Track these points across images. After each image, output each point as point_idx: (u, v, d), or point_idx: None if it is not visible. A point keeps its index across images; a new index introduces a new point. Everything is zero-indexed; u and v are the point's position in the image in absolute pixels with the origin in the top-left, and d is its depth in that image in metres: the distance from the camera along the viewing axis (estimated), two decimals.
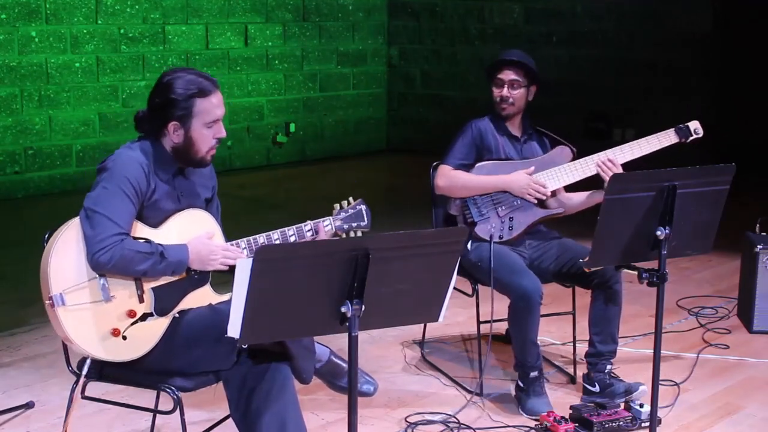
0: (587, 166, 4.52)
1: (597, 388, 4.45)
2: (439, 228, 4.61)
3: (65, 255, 3.24)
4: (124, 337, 3.27)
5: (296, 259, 2.68)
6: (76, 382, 3.39)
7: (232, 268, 3.23)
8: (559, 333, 5.28)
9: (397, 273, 2.79)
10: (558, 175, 4.56)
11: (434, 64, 11.38)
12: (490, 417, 4.33)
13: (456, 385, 4.68)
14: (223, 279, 3.30)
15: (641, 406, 4.26)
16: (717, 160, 4.09)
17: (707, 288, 6.31)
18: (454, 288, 3.01)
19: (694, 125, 4.60)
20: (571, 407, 4.29)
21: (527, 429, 4.22)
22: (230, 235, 3.53)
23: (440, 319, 2.97)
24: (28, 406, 4.35)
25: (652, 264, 3.60)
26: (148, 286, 3.31)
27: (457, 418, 4.29)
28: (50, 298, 3.20)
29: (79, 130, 9.05)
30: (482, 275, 4.46)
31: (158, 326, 3.33)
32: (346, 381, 3.55)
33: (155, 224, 3.38)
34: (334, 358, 3.75)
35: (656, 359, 3.64)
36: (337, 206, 3.67)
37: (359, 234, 3.64)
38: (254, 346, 3.29)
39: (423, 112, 11.50)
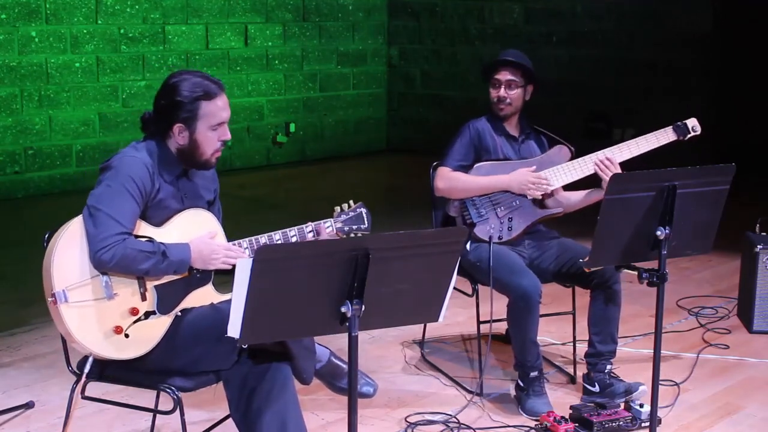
0: (586, 166, 4.52)
1: (597, 388, 4.46)
2: (438, 228, 4.61)
3: (68, 252, 3.24)
4: (127, 335, 3.28)
5: (296, 259, 2.68)
6: (77, 382, 3.40)
7: (233, 268, 3.23)
8: (559, 333, 5.28)
9: (397, 273, 2.79)
10: (557, 175, 4.55)
11: (434, 64, 11.38)
12: (490, 417, 4.33)
13: (456, 385, 4.68)
14: (225, 279, 3.30)
15: (641, 406, 4.26)
16: (717, 160, 4.09)
17: (707, 288, 6.31)
18: (454, 288, 3.01)
19: (692, 122, 4.59)
20: (571, 407, 4.29)
21: (527, 429, 4.22)
22: (231, 235, 3.53)
23: (440, 319, 2.97)
24: (28, 406, 4.35)
25: (652, 264, 3.60)
26: (150, 285, 3.32)
27: (457, 419, 4.29)
28: (53, 295, 3.20)
29: (79, 130, 9.05)
30: (481, 275, 4.46)
31: (160, 325, 3.34)
32: (346, 382, 3.55)
33: (158, 224, 3.39)
34: (333, 359, 3.75)
35: (656, 359, 3.64)
36: (337, 209, 3.69)
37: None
38: (255, 346, 3.29)
39: (423, 112, 11.50)
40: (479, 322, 4.64)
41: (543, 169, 4.57)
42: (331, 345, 3.83)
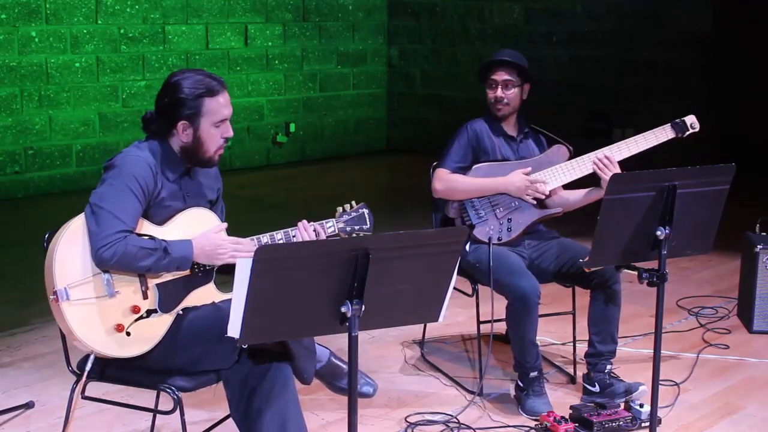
0: (584, 165, 4.52)
1: (597, 388, 4.46)
2: (438, 228, 4.61)
3: (70, 250, 3.25)
4: (128, 333, 3.28)
5: (296, 259, 2.68)
6: (77, 382, 3.40)
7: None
8: (559, 333, 5.28)
9: (397, 273, 2.79)
10: (555, 175, 4.55)
11: (434, 64, 11.38)
12: (490, 417, 4.33)
13: (456, 385, 4.68)
14: (226, 278, 3.30)
15: (641, 406, 4.26)
16: (717, 161, 4.09)
17: (707, 288, 6.31)
18: (454, 288, 3.01)
19: (691, 119, 4.57)
20: (571, 407, 4.29)
21: (527, 429, 4.22)
22: (232, 235, 3.53)
23: (440, 319, 2.97)
24: (28, 406, 4.35)
25: (652, 264, 3.60)
26: (152, 283, 3.33)
27: (457, 419, 4.29)
28: (54, 293, 3.21)
29: (79, 130, 9.05)
30: (481, 276, 4.46)
31: (162, 323, 3.34)
32: (346, 382, 3.56)
33: (160, 222, 3.40)
34: (333, 359, 3.75)
35: (656, 359, 3.64)
36: (339, 209, 3.69)
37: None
38: (255, 346, 3.29)
39: (423, 112, 11.50)
40: (479, 322, 4.64)
41: (541, 169, 4.56)
42: (331, 345, 3.83)
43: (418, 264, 2.83)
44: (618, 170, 4.40)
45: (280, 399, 3.38)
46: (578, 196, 4.61)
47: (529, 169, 4.56)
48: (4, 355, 5.04)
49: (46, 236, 3.36)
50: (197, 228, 3.43)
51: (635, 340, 5.31)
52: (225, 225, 3.50)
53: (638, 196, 3.51)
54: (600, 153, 4.49)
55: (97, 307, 3.25)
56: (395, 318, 3.00)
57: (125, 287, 3.29)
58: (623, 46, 10.11)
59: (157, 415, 3.72)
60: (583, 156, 4.52)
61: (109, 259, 3.20)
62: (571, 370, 4.82)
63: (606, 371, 4.48)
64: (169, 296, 3.35)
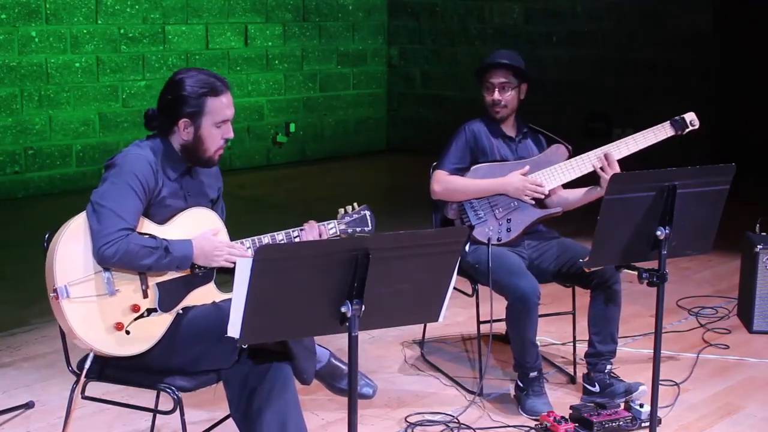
0: (583, 164, 4.51)
1: (597, 388, 4.45)
2: (438, 228, 4.61)
3: (71, 248, 3.26)
4: (128, 332, 3.29)
5: (296, 259, 2.68)
6: (77, 382, 3.40)
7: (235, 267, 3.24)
8: (559, 333, 5.28)
9: (397, 273, 2.79)
10: (554, 174, 4.54)
11: (434, 64, 11.38)
12: (490, 417, 4.33)
13: (456, 385, 4.68)
14: (226, 278, 3.31)
15: (641, 406, 4.26)
16: (717, 161, 4.09)
17: (707, 288, 6.31)
18: (454, 288, 3.01)
19: (690, 117, 4.54)
20: (571, 407, 4.29)
21: (527, 429, 4.22)
22: (232, 235, 3.54)
23: (440, 319, 2.97)
24: (28, 406, 4.35)
25: (652, 264, 3.60)
26: (152, 282, 3.33)
27: (457, 419, 4.29)
28: (55, 290, 3.21)
29: (79, 130, 9.05)
30: (481, 277, 4.46)
31: (162, 322, 3.34)
32: (346, 383, 3.56)
33: (161, 221, 3.40)
34: (333, 360, 3.75)
35: (656, 359, 3.64)
36: (341, 210, 3.69)
37: None
38: (255, 345, 3.29)
39: (423, 112, 11.50)
40: (479, 322, 4.64)
41: (540, 169, 4.56)
42: (331, 345, 3.83)
43: (418, 264, 2.83)
44: (617, 169, 4.40)
45: (280, 399, 3.38)
46: (577, 195, 4.61)
47: (527, 168, 4.56)
48: (4, 355, 5.04)
49: (46, 236, 3.37)
50: (198, 228, 3.43)
51: (635, 340, 5.31)
52: (221, 227, 3.49)
53: (638, 196, 3.51)
54: (599, 151, 4.49)
55: (97, 305, 3.25)
56: (395, 318, 3.00)
57: (125, 286, 3.29)
58: (623, 46, 10.11)
59: (157, 415, 3.72)
60: (582, 155, 4.52)
61: (111, 257, 3.20)
62: (571, 370, 4.82)
63: (606, 371, 4.48)
64: (169, 295, 3.35)
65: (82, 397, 3.46)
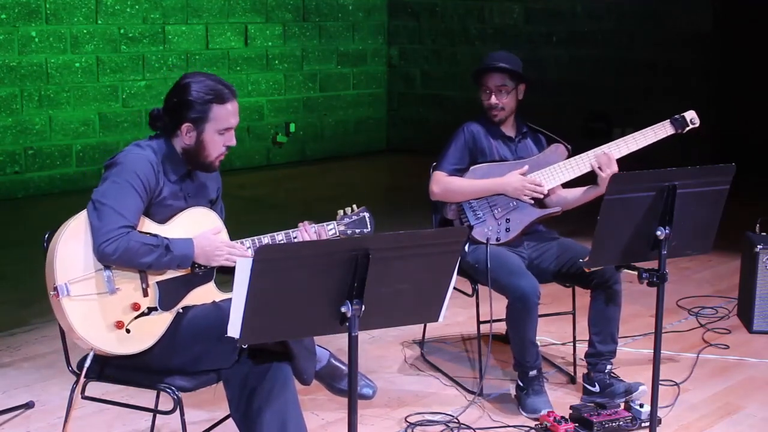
0: (582, 163, 4.50)
1: (597, 388, 4.45)
2: (438, 228, 4.60)
3: (71, 246, 3.26)
4: (128, 330, 3.29)
5: (296, 259, 2.68)
6: (76, 382, 3.40)
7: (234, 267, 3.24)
8: (559, 333, 5.28)
9: (397, 273, 2.79)
10: (553, 174, 4.54)
11: (434, 64, 11.38)
12: (490, 417, 4.33)
13: (456, 385, 4.68)
14: (226, 278, 3.31)
15: (641, 406, 4.26)
16: (717, 161, 4.09)
17: (707, 288, 6.31)
18: (454, 288, 3.01)
19: (690, 115, 4.51)
20: (571, 407, 4.29)
21: (527, 429, 4.22)
22: (232, 235, 3.54)
23: (440, 319, 2.97)
24: (28, 406, 4.35)
25: (652, 264, 3.60)
26: (153, 280, 3.33)
27: (457, 419, 4.29)
28: (55, 288, 3.22)
29: (79, 130, 9.05)
30: (480, 277, 4.46)
31: (162, 321, 3.34)
32: (346, 384, 3.56)
33: (162, 221, 3.41)
34: (333, 361, 3.75)
35: (656, 359, 3.64)
36: (341, 212, 3.69)
37: None
38: (255, 345, 3.29)
39: (423, 112, 11.50)
40: (479, 322, 4.64)
41: (539, 169, 4.55)
42: (331, 345, 3.83)
43: (418, 264, 2.83)
44: (616, 168, 4.39)
45: (279, 399, 3.38)
46: (576, 194, 4.60)
47: (526, 168, 4.55)
48: (4, 355, 5.05)
49: (46, 236, 3.37)
50: (198, 227, 3.44)
51: (635, 340, 5.31)
52: (222, 227, 3.50)
53: (638, 196, 3.51)
54: (599, 150, 4.48)
55: (97, 303, 3.26)
56: (395, 318, 3.00)
57: (126, 284, 3.29)
58: (623, 46, 10.11)
59: (157, 415, 3.72)
60: (581, 154, 4.51)
61: (111, 254, 3.21)
62: (571, 370, 4.82)
63: (606, 371, 4.48)
64: (169, 294, 3.35)
65: (82, 397, 3.46)
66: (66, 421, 3.45)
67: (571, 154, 4.58)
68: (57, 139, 8.92)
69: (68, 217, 3.35)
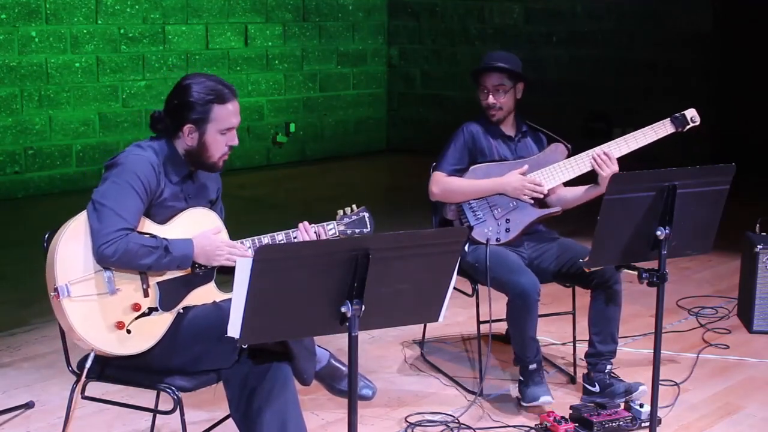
0: (582, 163, 4.49)
1: (597, 388, 4.45)
2: (438, 228, 4.60)
3: (72, 247, 3.26)
4: (128, 331, 3.29)
5: (296, 259, 2.68)
6: (77, 382, 3.40)
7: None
8: (559, 333, 5.28)
9: (397, 273, 2.79)
10: (553, 174, 4.53)
11: (434, 64, 11.38)
12: (490, 417, 4.33)
13: (456, 385, 4.68)
14: (226, 278, 3.31)
15: (641, 406, 4.26)
16: (717, 160, 4.09)
17: (707, 288, 6.31)
18: (454, 288, 3.01)
19: (691, 113, 4.49)
20: (571, 407, 4.29)
21: (527, 429, 4.22)
22: (232, 235, 3.54)
23: (440, 319, 2.97)
24: (28, 406, 4.35)
25: (652, 264, 3.60)
26: (153, 281, 3.33)
27: (457, 419, 4.29)
28: (55, 289, 3.22)
29: (79, 130, 9.05)
30: (480, 276, 4.46)
31: (162, 321, 3.34)
32: (346, 384, 3.56)
33: (162, 221, 3.41)
34: (333, 361, 3.75)
35: (656, 359, 3.64)
36: (340, 212, 3.69)
37: None
38: (255, 346, 3.29)
39: (423, 112, 11.50)
40: (479, 322, 4.64)
41: (539, 168, 4.55)
42: (331, 345, 3.83)
43: (418, 264, 2.83)
44: (616, 167, 4.39)
45: (279, 399, 3.38)
46: (577, 193, 4.60)
47: (526, 167, 4.55)
48: (4, 355, 5.05)
49: (46, 236, 3.37)
50: (198, 227, 3.44)
51: (635, 340, 5.31)
52: (222, 227, 3.51)
53: (638, 196, 3.51)
54: (599, 150, 4.48)
55: (98, 304, 3.26)
56: (395, 318, 3.00)
57: (126, 285, 3.30)
58: (623, 46, 10.11)
59: (157, 415, 3.71)
60: (581, 154, 4.49)
61: (110, 256, 3.21)
62: (571, 370, 4.82)
63: (606, 371, 4.48)
64: (169, 295, 3.35)
65: (82, 397, 3.46)
66: (66, 421, 3.45)
67: (571, 153, 4.57)
68: (57, 139, 8.92)
69: (68, 217, 3.35)
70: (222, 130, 3.43)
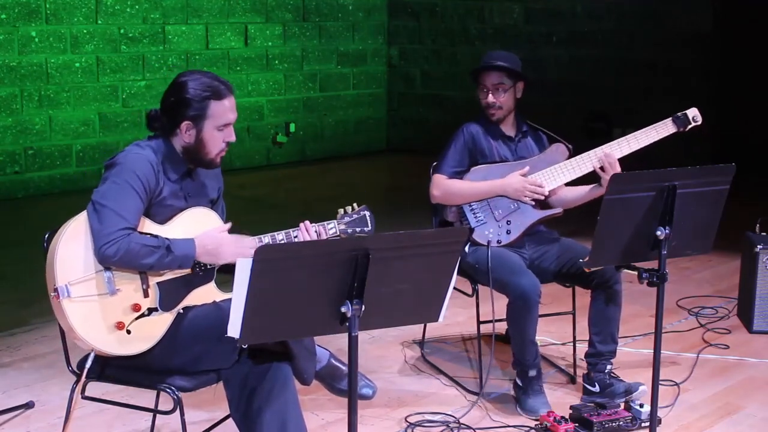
0: (583, 164, 4.48)
1: (597, 388, 4.45)
2: (438, 228, 4.60)
3: (72, 247, 3.26)
4: (129, 331, 3.29)
5: (296, 259, 2.68)
6: (77, 382, 3.40)
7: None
8: (559, 333, 5.28)
9: (397, 273, 2.79)
10: (554, 175, 4.52)
11: (434, 64, 11.38)
12: (490, 417, 4.33)
13: (456, 385, 4.68)
14: (226, 278, 3.31)
15: (641, 406, 4.26)
16: (717, 160, 4.09)
17: (707, 288, 6.31)
18: (454, 288, 3.01)
19: (693, 113, 4.48)
20: (571, 407, 4.29)
21: (527, 429, 4.22)
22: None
23: (440, 319, 2.97)
24: (28, 406, 4.35)
25: (652, 264, 3.60)
26: (153, 281, 3.33)
27: (457, 419, 4.29)
28: (55, 290, 3.22)
29: (79, 130, 9.05)
30: (481, 277, 4.46)
31: (162, 321, 3.34)
32: (346, 384, 3.56)
33: (162, 221, 3.41)
34: (333, 361, 3.75)
35: (656, 359, 3.64)
36: (341, 211, 3.69)
37: None
38: (255, 345, 3.29)
39: (423, 112, 11.50)
40: (479, 322, 4.64)
41: (540, 169, 4.54)
42: (331, 345, 3.83)
43: (418, 264, 2.83)
44: (618, 168, 4.39)
45: (279, 399, 3.38)
46: (578, 194, 4.59)
47: (527, 169, 4.54)
48: (4, 355, 5.05)
49: (46, 236, 3.37)
50: (199, 227, 3.44)
51: (635, 340, 5.31)
52: (229, 224, 3.51)
53: (638, 196, 3.51)
54: (600, 150, 4.47)
55: (98, 304, 3.26)
56: (395, 318, 3.00)
57: (126, 285, 3.30)
58: (623, 46, 10.11)
59: (157, 415, 3.71)
60: (583, 154, 4.49)
61: (112, 256, 3.21)
62: (571, 370, 4.82)
63: (606, 371, 4.48)
64: (170, 295, 3.35)
65: (82, 397, 3.46)
66: (66, 421, 3.45)
67: (573, 153, 4.56)
68: (57, 139, 8.92)
69: (68, 217, 3.35)
70: (219, 126, 3.43)
